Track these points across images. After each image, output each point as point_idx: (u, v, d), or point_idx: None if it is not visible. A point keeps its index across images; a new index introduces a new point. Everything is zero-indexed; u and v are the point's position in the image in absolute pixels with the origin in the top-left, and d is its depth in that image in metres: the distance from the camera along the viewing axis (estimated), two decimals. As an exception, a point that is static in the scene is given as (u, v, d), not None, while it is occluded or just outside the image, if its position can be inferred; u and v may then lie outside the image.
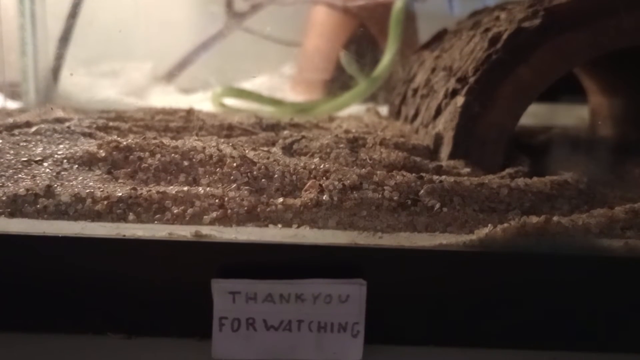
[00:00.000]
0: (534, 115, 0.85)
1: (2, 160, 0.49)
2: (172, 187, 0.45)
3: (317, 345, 0.38)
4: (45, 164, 0.49)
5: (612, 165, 0.59)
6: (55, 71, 1.10)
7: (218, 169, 0.47)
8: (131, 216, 0.42)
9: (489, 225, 0.41)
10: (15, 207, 0.42)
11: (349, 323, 0.38)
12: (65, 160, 0.49)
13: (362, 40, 1.14)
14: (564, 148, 0.70)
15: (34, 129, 0.57)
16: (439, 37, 0.81)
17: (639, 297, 0.40)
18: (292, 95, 1.19)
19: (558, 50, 0.53)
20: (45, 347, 0.39)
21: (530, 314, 0.40)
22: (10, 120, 0.62)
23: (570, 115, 0.94)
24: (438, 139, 0.57)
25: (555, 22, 0.53)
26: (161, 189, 0.44)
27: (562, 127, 0.86)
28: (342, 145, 0.55)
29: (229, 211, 0.43)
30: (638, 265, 0.39)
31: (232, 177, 0.46)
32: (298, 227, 0.42)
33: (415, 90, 0.73)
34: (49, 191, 0.43)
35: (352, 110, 1.01)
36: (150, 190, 0.44)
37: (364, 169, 0.46)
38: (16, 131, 0.57)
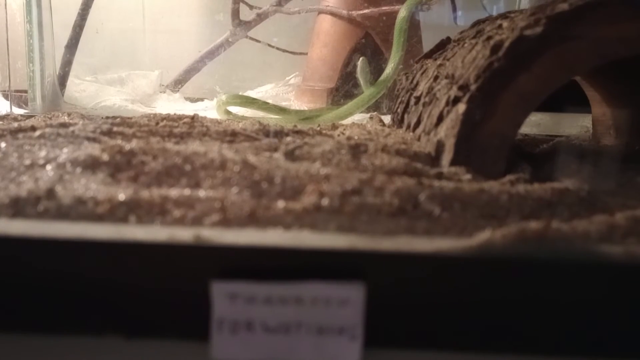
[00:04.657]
0: (537, 124, 0.85)
1: (5, 163, 0.49)
2: (173, 190, 0.45)
3: (316, 348, 0.38)
4: (48, 167, 0.49)
5: (615, 174, 0.59)
6: (62, 78, 1.11)
7: (219, 173, 0.47)
8: (132, 219, 0.43)
9: (489, 230, 0.41)
10: (17, 209, 0.43)
11: (347, 326, 0.38)
12: (68, 164, 0.49)
13: (367, 49, 1.14)
14: (566, 156, 0.70)
15: (38, 133, 0.58)
16: (442, 45, 0.81)
17: (638, 303, 0.39)
18: (297, 103, 1.20)
19: (560, 59, 0.53)
20: (44, 348, 0.39)
21: (528, 319, 0.40)
22: (15, 124, 0.62)
23: (573, 125, 0.94)
24: (439, 146, 0.57)
25: (557, 30, 0.53)
26: (163, 192, 0.44)
27: (565, 136, 0.86)
28: (343, 152, 0.55)
29: (230, 214, 0.43)
30: (638, 272, 0.39)
31: (233, 181, 0.46)
32: (298, 230, 0.42)
33: (418, 98, 0.73)
34: (50, 193, 0.43)
35: (355, 119, 1.01)
36: (151, 194, 0.44)
37: (364, 174, 0.46)
38: (20, 135, 0.58)
